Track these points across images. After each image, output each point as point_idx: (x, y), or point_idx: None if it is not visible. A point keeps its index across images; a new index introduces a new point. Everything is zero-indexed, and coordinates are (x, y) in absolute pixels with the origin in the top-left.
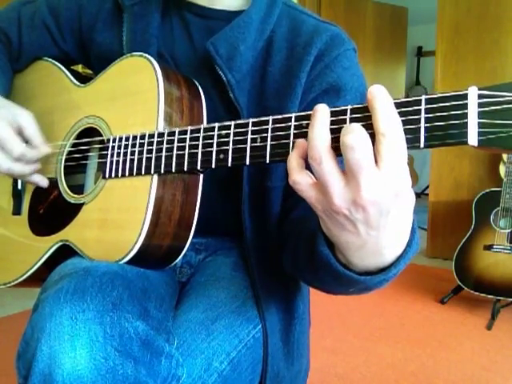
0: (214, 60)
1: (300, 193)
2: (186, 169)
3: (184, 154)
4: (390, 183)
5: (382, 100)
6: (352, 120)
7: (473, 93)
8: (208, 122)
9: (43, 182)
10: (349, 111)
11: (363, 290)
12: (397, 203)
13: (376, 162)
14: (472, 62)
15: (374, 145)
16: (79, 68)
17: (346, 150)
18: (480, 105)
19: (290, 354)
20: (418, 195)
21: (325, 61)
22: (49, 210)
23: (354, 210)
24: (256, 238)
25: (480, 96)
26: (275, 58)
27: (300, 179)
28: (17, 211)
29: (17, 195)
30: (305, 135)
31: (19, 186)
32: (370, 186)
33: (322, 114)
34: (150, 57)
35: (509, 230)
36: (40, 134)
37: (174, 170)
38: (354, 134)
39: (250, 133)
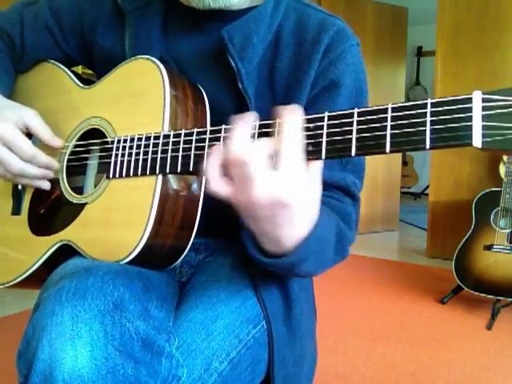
0: (227, 48)
1: (218, 195)
2: (191, 169)
3: (190, 155)
4: (279, 194)
5: (289, 123)
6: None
7: (477, 97)
8: (216, 115)
9: (45, 184)
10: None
11: (282, 271)
12: (288, 210)
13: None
14: (472, 62)
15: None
16: (79, 70)
17: (243, 163)
18: (484, 108)
19: (292, 337)
20: (418, 195)
21: (330, 57)
22: (49, 210)
23: (251, 208)
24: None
25: (484, 100)
26: (283, 54)
27: (220, 188)
28: (16, 211)
29: (16, 195)
30: (311, 138)
31: (19, 187)
32: (261, 192)
33: (243, 124)
34: (155, 59)
35: (509, 230)
36: (48, 129)
37: (179, 171)
38: (250, 152)
39: (256, 135)
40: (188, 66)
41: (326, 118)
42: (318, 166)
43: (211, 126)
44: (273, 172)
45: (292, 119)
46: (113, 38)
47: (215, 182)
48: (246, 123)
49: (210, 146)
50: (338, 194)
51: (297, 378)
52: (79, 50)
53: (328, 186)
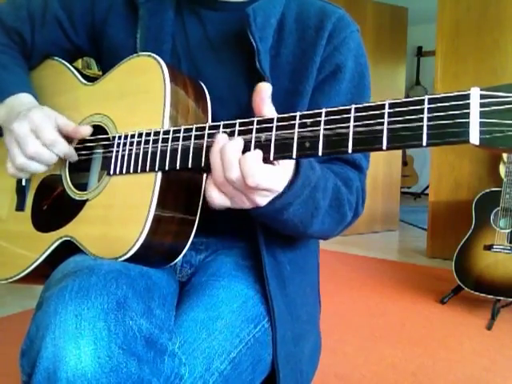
0: (250, 26)
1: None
2: (190, 166)
3: (188, 152)
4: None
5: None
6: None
7: (475, 93)
8: (232, 102)
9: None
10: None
11: (271, 216)
12: (268, 192)
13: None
14: (472, 62)
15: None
16: (79, 64)
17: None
18: (482, 105)
19: (289, 315)
20: (418, 195)
21: (334, 43)
22: (52, 207)
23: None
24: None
25: (482, 96)
26: (287, 41)
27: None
28: (20, 207)
29: (20, 191)
30: (309, 134)
31: (23, 183)
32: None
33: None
34: (157, 57)
35: (509, 230)
36: (72, 123)
37: (178, 167)
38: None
39: (254, 131)
40: (198, 57)
41: (323, 114)
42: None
43: (231, 114)
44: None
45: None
46: (124, 29)
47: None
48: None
49: (208, 143)
50: (343, 165)
51: (297, 357)
52: (89, 42)
53: (334, 159)
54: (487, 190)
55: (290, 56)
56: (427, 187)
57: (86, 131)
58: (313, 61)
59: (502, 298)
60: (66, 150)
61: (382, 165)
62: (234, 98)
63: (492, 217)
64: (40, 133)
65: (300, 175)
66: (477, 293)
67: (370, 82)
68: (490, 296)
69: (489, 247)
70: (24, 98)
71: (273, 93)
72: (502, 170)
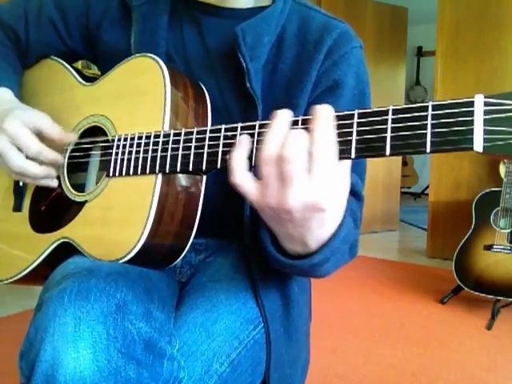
0: (239, 46)
1: (240, 191)
2: (191, 169)
3: (190, 155)
4: (315, 198)
5: (321, 122)
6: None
7: (479, 100)
8: (219, 114)
9: (54, 182)
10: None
11: (301, 272)
12: (321, 214)
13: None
14: (472, 62)
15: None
16: (78, 65)
17: (281, 162)
18: (486, 112)
19: (289, 338)
20: (418, 195)
21: (333, 58)
22: (50, 208)
23: (282, 211)
24: (255, 227)
25: (486, 104)
26: (286, 55)
27: (244, 181)
28: (18, 208)
29: (18, 192)
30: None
31: (21, 183)
32: (297, 196)
33: (281, 118)
34: (157, 58)
35: (509, 230)
36: (58, 127)
37: (178, 170)
38: (292, 148)
39: (256, 135)
40: (194, 64)
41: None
42: (348, 164)
43: (214, 125)
44: (308, 174)
45: (324, 118)
46: (118, 34)
47: (240, 175)
48: (284, 116)
49: (209, 146)
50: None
51: (291, 379)
52: (83, 45)
53: None
54: (487, 190)
55: (287, 70)
56: (427, 187)
57: (72, 138)
58: (308, 74)
59: (501, 298)
60: (51, 156)
61: (382, 165)
62: (225, 110)
63: (492, 217)
64: (21, 145)
65: (344, 226)
66: (477, 293)
67: (370, 100)
68: (490, 296)
69: (489, 247)
70: (3, 94)
71: (268, 107)
72: (502, 170)
